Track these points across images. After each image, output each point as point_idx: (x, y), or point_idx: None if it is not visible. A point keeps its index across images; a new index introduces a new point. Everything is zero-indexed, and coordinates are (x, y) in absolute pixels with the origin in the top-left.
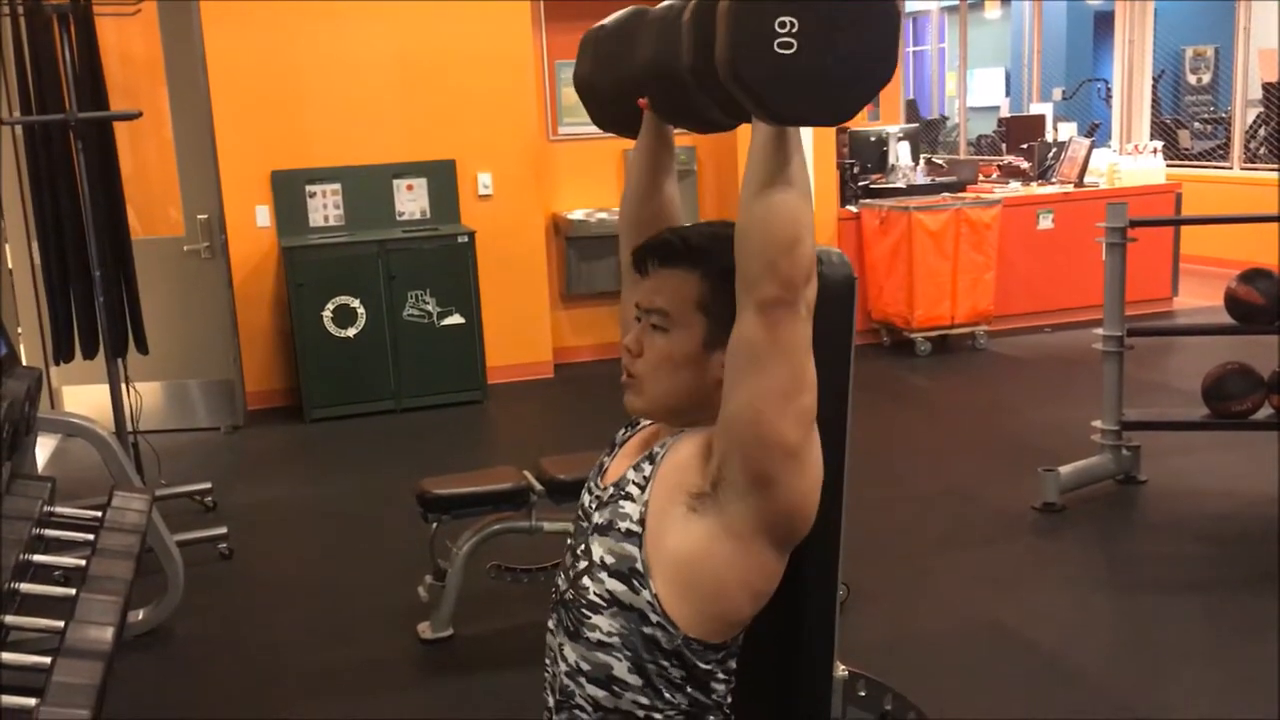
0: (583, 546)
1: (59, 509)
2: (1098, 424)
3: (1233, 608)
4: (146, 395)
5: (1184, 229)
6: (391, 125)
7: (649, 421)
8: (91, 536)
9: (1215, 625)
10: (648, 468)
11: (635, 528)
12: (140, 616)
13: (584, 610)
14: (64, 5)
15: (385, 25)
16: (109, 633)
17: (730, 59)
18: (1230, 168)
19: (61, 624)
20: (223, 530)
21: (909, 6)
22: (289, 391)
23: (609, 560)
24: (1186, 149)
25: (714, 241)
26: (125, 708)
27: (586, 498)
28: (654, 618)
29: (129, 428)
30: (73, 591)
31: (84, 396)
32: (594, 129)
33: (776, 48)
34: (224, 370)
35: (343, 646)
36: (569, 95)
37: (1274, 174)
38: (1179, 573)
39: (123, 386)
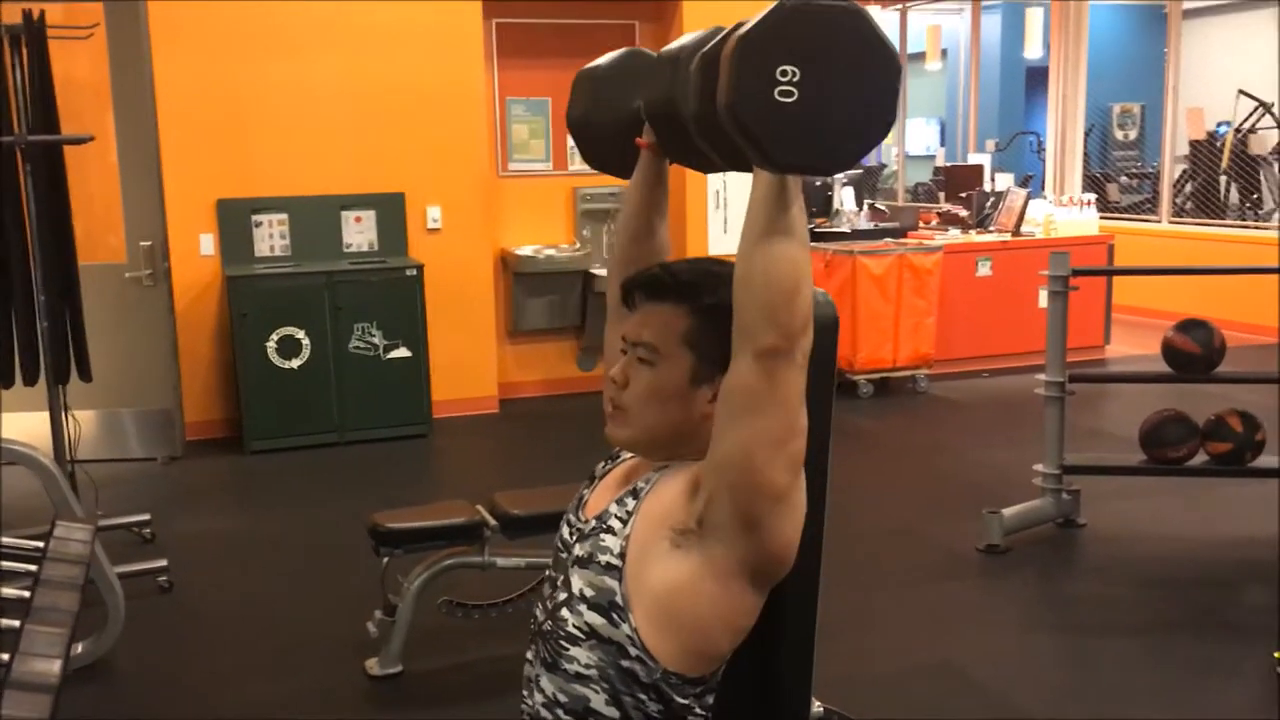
0: (562, 578)
1: None
2: (1039, 468)
3: (1175, 649)
4: (81, 423)
5: (1115, 280)
6: (341, 156)
7: (629, 455)
8: (32, 567)
9: (1158, 666)
10: (631, 502)
11: (616, 561)
12: (79, 650)
13: (562, 642)
14: (17, 26)
15: (337, 56)
16: (56, 665)
17: (730, 104)
18: (1159, 221)
19: (5, 656)
20: (163, 563)
21: None
22: (229, 422)
23: (589, 593)
24: (1115, 202)
25: (702, 277)
26: None
27: (566, 529)
28: (633, 651)
29: (68, 456)
30: (16, 623)
31: (16, 424)
32: (543, 166)
33: (777, 95)
34: (163, 399)
35: (288, 682)
36: (519, 132)
37: (1200, 228)
38: (1121, 615)
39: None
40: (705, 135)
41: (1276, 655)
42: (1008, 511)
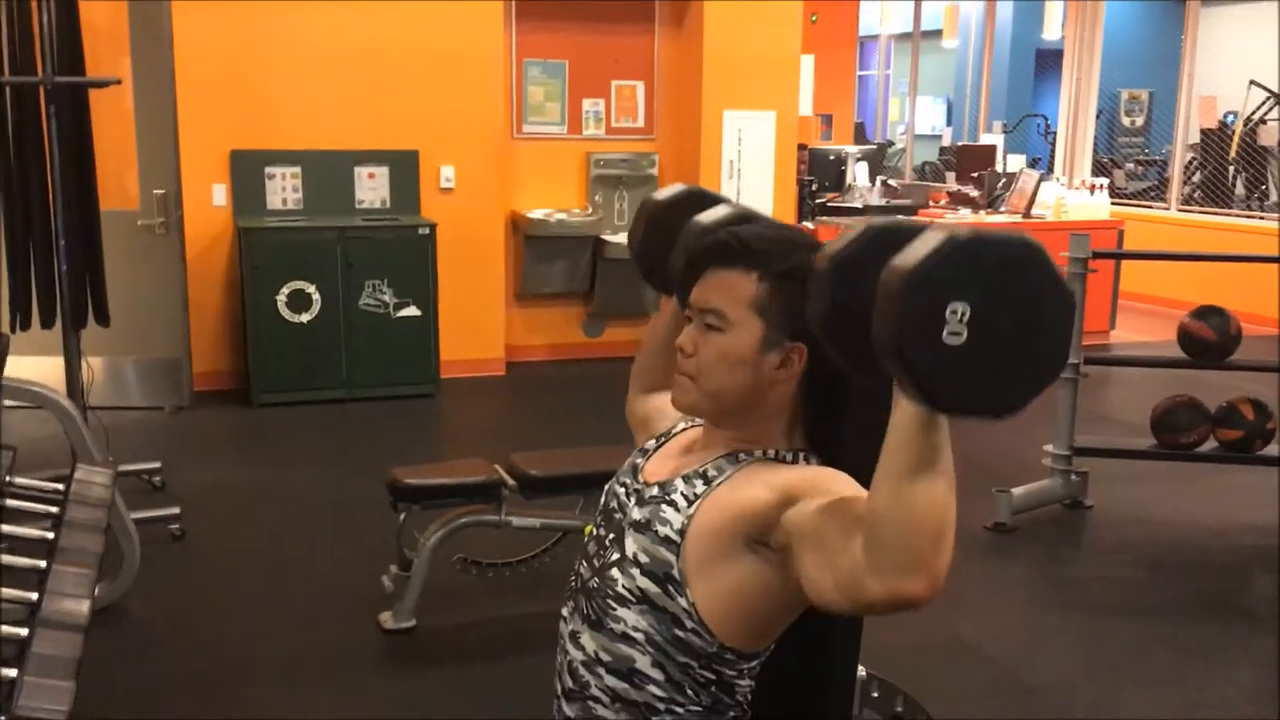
0: (612, 537)
1: (18, 480)
2: (1050, 448)
3: (1181, 632)
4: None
5: (1122, 265)
6: (356, 112)
7: (684, 427)
8: (53, 509)
9: (1165, 648)
10: (700, 486)
11: (675, 537)
12: (95, 593)
13: (610, 601)
14: None
15: (356, 11)
16: (85, 605)
17: (896, 343)
18: (1168, 208)
19: (34, 595)
20: (175, 510)
21: (861, 31)
22: (236, 374)
23: (643, 559)
24: (1121, 188)
25: (772, 243)
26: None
27: (620, 489)
28: (689, 624)
29: (83, 402)
30: (42, 564)
31: (26, 368)
32: (558, 129)
33: (946, 336)
34: (172, 349)
35: (300, 633)
36: (535, 94)
37: (1207, 217)
38: (1128, 596)
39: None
40: (833, 340)
41: None
42: (1016, 491)
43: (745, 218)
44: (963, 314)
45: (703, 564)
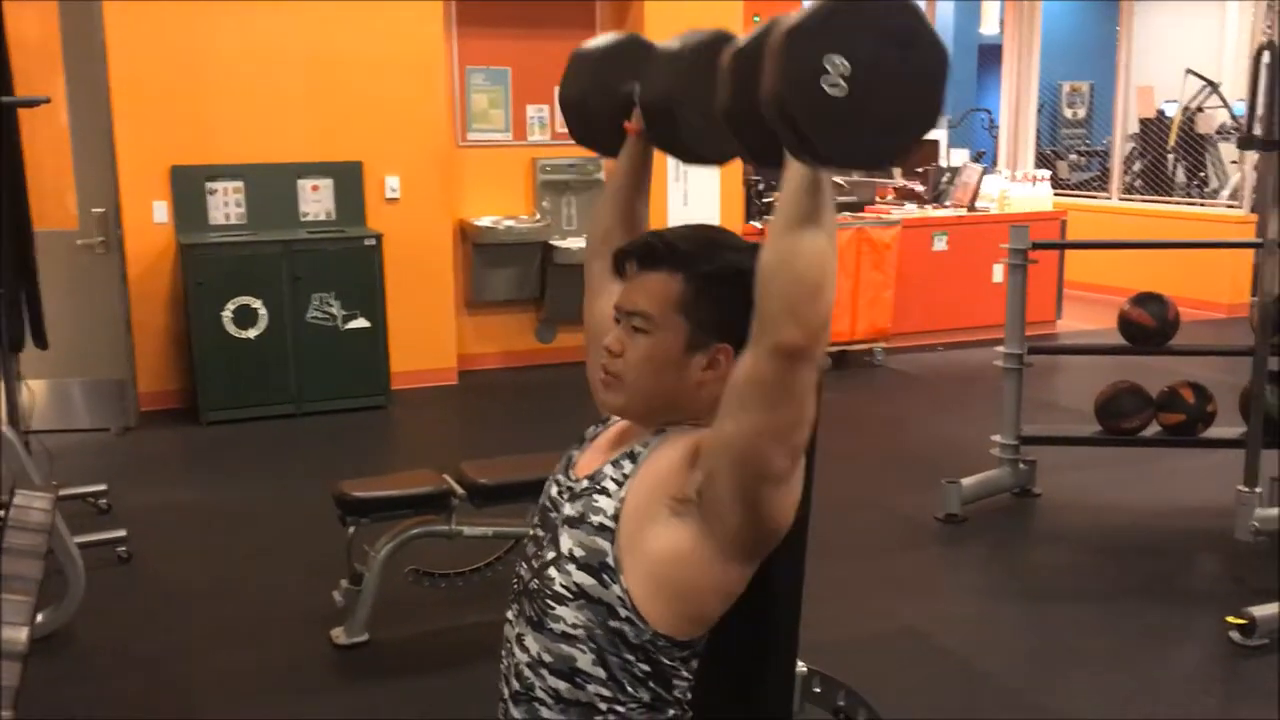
0: (549, 537)
1: None
2: (997, 438)
3: (1128, 614)
4: (33, 393)
5: (1066, 255)
6: (298, 124)
7: (619, 418)
8: None
9: (1113, 630)
10: (628, 465)
11: (609, 523)
12: (39, 619)
13: (548, 601)
14: None
15: (294, 21)
16: (24, 633)
17: (777, 94)
18: (1109, 198)
19: None
20: (122, 533)
21: None
22: (183, 393)
23: (578, 553)
24: (1064, 179)
25: (698, 244)
26: (25, 713)
27: (554, 489)
28: (623, 612)
29: (23, 426)
30: None
31: None
32: (503, 136)
33: (825, 87)
34: (116, 369)
35: (252, 652)
36: (479, 101)
37: (1149, 205)
38: (1077, 581)
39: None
40: (735, 128)
41: (1228, 620)
42: (966, 481)
43: (721, 37)
44: (841, 67)
45: (634, 540)
